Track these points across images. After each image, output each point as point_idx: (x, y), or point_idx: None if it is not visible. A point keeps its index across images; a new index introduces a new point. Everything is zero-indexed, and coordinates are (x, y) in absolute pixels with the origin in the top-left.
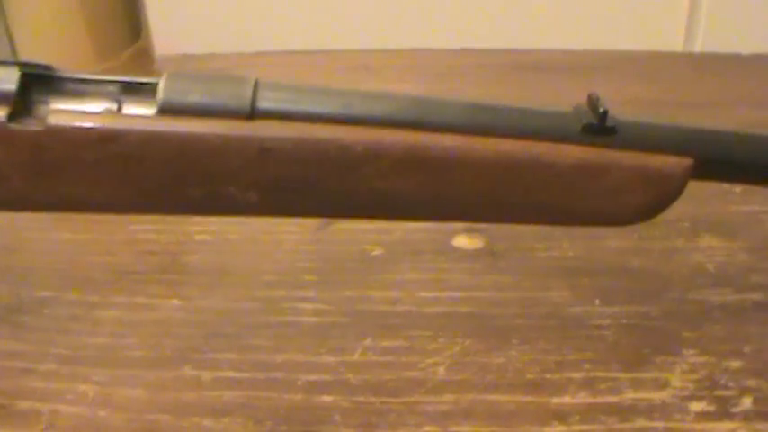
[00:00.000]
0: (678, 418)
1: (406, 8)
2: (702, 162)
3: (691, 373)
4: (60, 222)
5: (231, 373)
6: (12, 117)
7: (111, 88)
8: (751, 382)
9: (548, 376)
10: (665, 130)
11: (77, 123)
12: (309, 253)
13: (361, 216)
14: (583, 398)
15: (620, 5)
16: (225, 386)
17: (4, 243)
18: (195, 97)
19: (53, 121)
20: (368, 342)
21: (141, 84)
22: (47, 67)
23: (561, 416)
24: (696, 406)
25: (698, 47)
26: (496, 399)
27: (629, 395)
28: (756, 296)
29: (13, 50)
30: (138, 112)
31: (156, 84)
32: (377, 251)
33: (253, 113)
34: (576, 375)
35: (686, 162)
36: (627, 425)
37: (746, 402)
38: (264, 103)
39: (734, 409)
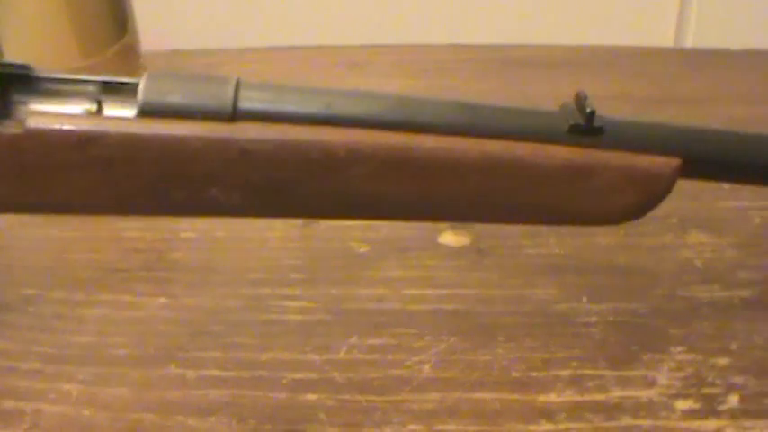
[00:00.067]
0: (664, 416)
1: (394, 4)
2: (690, 161)
3: (678, 371)
4: (45, 220)
5: (216, 372)
6: None
7: (91, 88)
8: (738, 380)
9: (534, 374)
10: (653, 129)
11: (57, 126)
12: (295, 250)
13: (344, 217)
14: (569, 396)
15: (611, 1)
16: (210, 385)
17: None
18: (176, 98)
19: (32, 123)
20: (353, 340)
21: (122, 83)
22: (25, 67)
23: (548, 414)
24: (683, 404)
25: (689, 42)
26: (482, 397)
27: (616, 393)
28: (744, 293)
29: None
30: (119, 113)
31: (137, 84)
32: (363, 248)
33: (234, 115)
34: (563, 373)
35: (674, 162)
36: (613, 423)
37: (733, 400)
38: (246, 104)
39: (720, 407)
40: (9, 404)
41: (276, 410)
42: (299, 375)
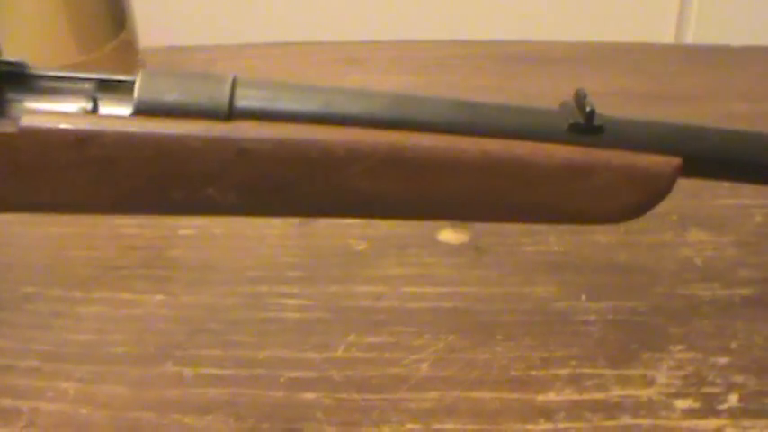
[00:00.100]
0: (664, 415)
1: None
2: (691, 161)
3: (677, 370)
4: (43, 217)
5: (214, 370)
6: None
7: (87, 86)
8: (738, 379)
9: (533, 373)
10: (654, 128)
11: (52, 125)
12: (293, 248)
13: (343, 216)
14: (568, 395)
15: None
16: (208, 383)
17: None
18: (172, 96)
19: (27, 122)
20: (351, 338)
21: (117, 81)
22: (20, 65)
23: (547, 413)
24: (682, 403)
25: (689, 39)
26: (481, 396)
27: (616, 392)
28: (745, 291)
29: None
30: (115, 111)
31: (133, 82)
32: (361, 246)
33: (231, 113)
34: (562, 372)
35: (675, 161)
36: (613, 422)
37: (733, 399)
38: (243, 102)
39: (720, 406)
40: (6, 402)
41: (274, 409)
42: (297, 374)
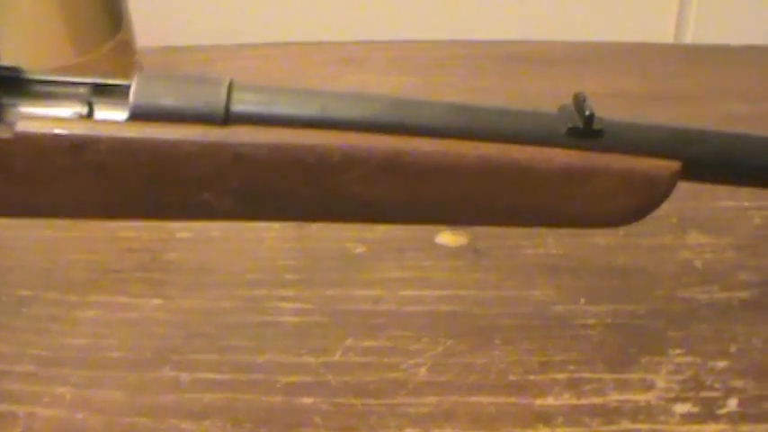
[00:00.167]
0: (663, 420)
1: None
2: (690, 164)
3: (676, 374)
4: (39, 220)
5: (211, 375)
6: None
7: (82, 90)
8: (737, 383)
9: (531, 377)
10: (653, 131)
11: (48, 130)
12: (291, 251)
13: (339, 220)
14: (567, 399)
15: None
16: (204, 388)
17: None
18: (168, 101)
19: (22, 127)
20: (349, 342)
21: (113, 85)
22: (15, 69)
23: (545, 418)
24: (681, 408)
25: (689, 38)
26: (479, 401)
27: (614, 397)
28: (744, 294)
29: None
30: (110, 115)
31: (128, 86)
32: (359, 249)
33: (227, 118)
34: (561, 376)
35: (674, 165)
36: (611, 427)
37: (732, 404)
38: (239, 107)
39: (719, 411)
40: (2, 407)
41: (271, 414)
42: (294, 378)
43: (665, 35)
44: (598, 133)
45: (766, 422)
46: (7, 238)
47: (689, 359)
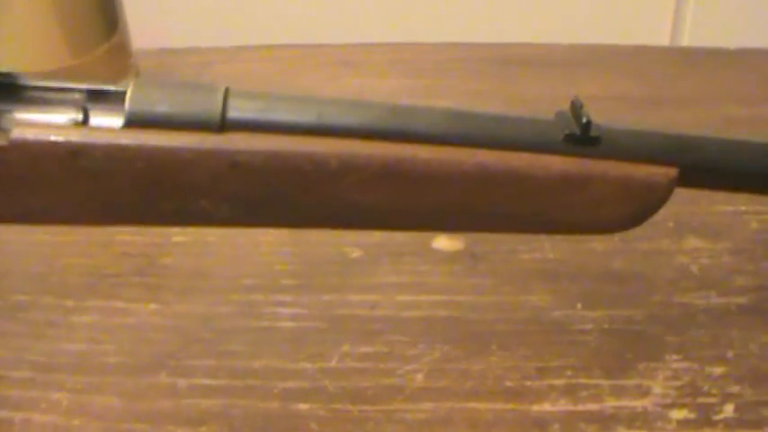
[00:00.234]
0: (659, 426)
1: (388, 1)
2: (688, 171)
3: (673, 380)
4: None
5: (208, 381)
6: None
7: (78, 96)
8: (734, 389)
9: (528, 383)
10: (651, 138)
11: (43, 137)
12: (288, 255)
13: (337, 227)
14: (563, 405)
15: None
16: (201, 394)
17: None
18: (164, 107)
19: (17, 134)
20: (346, 348)
21: (108, 91)
22: (9, 75)
23: (541, 424)
24: (678, 413)
25: (685, 41)
26: (476, 407)
27: (611, 403)
28: (741, 299)
29: None
30: (106, 121)
31: (124, 92)
32: (356, 253)
33: (223, 125)
34: (557, 382)
35: (672, 172)
36: None
37: (728, 409)
38: (235, 114)
39: (716, 417)
40: (0, 414)
41: (268, 420)
42: (291, 384)
43: (662, 38)
44: (595, 140)
45: (763, 428)
46: (3, 242)
47: (686, 365)
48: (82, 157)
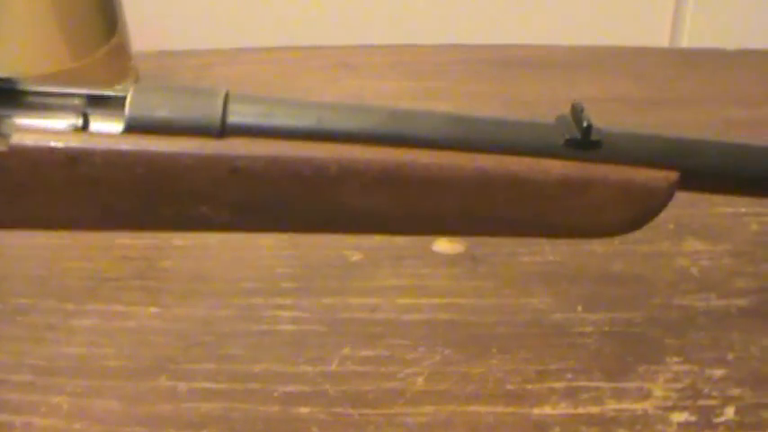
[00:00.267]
0: (660, 429)
1: (388, 3)
2: (689, 175)
3: (674, 383)
4: None
5: (208, 384)
6: None
7: (77, 101)
8: (734, 392)
9: (529, 386)
10: (652, 142)
11: (43, 143)
12: (288, 258)
13: (337, 232)
14: (564, 408)
15: (606, 1)
16: (201, 398)
17: None
18: (164, 113)
19: (17, 140)
20: (346, 351)
21: (108, 97)
22: (9, 80)
23: (542, 427)
24: (679, 416)
25: (684, 42)
26: (476, 410)
27: (612, 406)
28: (741, 302)
29: None
30: (105, 127)
31: (124, 97)
32: (356, 256)
33: (223, 130)
34: (558, 385)
35: (672, 176)
36: None
37: (729, 412)
38: (235, 119)
39: (716, 420)
40: (1, 418)
41: (268, 424)
42: (291, 388)
43: (661, 39)
44: (596, 144)
45: (764, 431)
46: (3, 245)
47: (686, 367)
48: (82, 163)
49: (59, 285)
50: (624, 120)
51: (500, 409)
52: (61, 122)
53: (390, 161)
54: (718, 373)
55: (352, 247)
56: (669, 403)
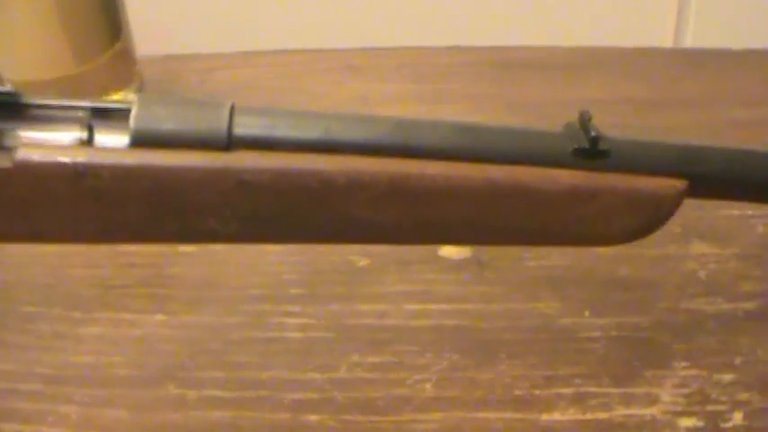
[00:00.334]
0: None
1: (392, 5)
2: (696, 182)
3: (682, 388)
4: None
5: (216, 392)
6: None
7: (82, 114)
8: (742, 396)
9: (537, 392)
10: (659, 150)
11: (48, 158)
12: (295, 264)
13: (344, 242)
14: (572, 414)
15: (609, 1)
16: (210, 406)
17: None
18: (169, 125)
19: (22, 155)
20: (355, 358)
21: (113, 109)
22: (13, 93)
23: None
24: (686, 422)
25: (688, 42)
26: (485, 416)
27: (620, 411)
28: (748, 305)
29: None
30: (111, 140)
31: (129, 109)
32: (363, 262)
33: (230, 143)
34: (566, 391)
35: (680, 184)
36: None
37: (737, 417)
38: (241, 131)
39: (725, 425)
40: (8, 427)
41: None
42: (300, 395)
43: (665, 39)
44: (604, 153)
45: None
46: (11, 254)
47: (694, 372)
48: (87, 178)
49: (66, 293)
50: (628, 121)
51: (508, 415)
52: (66, 135)
53: (398, 173)
54: (727, 377)
55: (358, 253)
56: (677, 408)
